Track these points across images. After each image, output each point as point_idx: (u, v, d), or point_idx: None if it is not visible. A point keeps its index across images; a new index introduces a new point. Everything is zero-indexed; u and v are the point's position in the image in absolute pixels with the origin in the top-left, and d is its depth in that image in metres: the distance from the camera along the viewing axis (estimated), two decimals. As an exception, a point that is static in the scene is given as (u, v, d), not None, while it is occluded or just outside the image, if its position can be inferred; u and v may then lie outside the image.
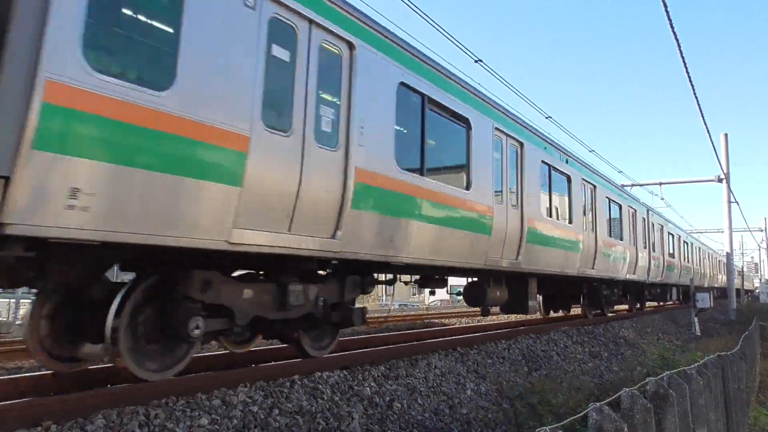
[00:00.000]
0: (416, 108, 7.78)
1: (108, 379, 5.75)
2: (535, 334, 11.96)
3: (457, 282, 12.19)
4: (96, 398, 4.69)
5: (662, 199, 30.84)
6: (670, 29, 12.07)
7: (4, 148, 3.64)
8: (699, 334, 20.44)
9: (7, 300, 25.59)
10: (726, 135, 29.99)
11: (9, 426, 3.91)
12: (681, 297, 31.53)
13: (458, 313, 23.93)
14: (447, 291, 12.93)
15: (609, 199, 16.35)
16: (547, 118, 32.01)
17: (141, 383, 5.17)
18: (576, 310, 19.01)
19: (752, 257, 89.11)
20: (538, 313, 16.96)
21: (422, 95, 7.79)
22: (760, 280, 75.59)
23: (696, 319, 21.30)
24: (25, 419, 4.08)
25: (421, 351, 8.52)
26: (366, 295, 8.23)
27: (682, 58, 14.41)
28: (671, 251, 25.58)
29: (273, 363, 6.97)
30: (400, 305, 38.57)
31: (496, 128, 9.73)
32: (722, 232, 31.97)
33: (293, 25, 5.76)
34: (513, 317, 18.45)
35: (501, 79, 17.39)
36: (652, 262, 21.29)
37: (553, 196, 12.36)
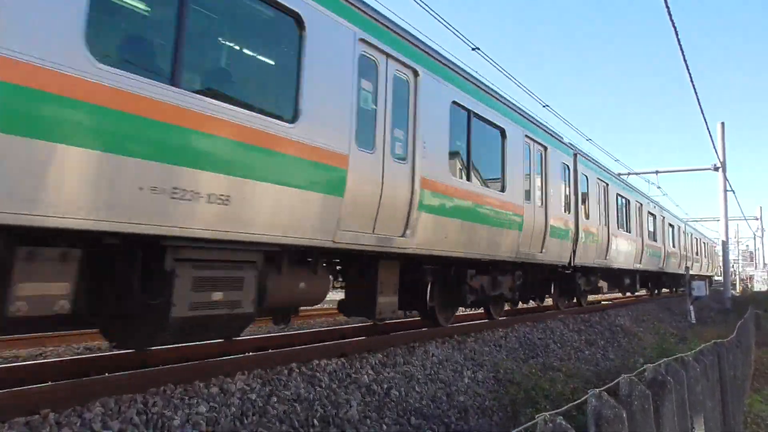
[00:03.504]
0: (464, 122, 8.83)
1: (106, 368, 5.74)
2: (531, 322, 12.01)
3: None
4: (94, 386, 4.66)
5: (659, 187, 30.93)
6: (668, 17, 12.03)
7: None
8: (694, 322, 20.57)
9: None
10: (723, 124, 29.94)
11: (7, 414, 3.88)
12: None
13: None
14: None
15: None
16: (544, 106, 31.93)
17: (138, 370, 5.17)
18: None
19: (747, 245, 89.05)
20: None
21: (468, 111, 8.80)
22: (755, 268, 75.73)
23: (692, 308, 21.42)
24: (23, 407, 4.05)
25: (418, 339, 8.54)
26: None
27: (680, 46, 14.39)
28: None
29: (270, 351, 6.98)
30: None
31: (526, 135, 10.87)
32: (718, 220, 32.00)
33: (375, 60, 6.84)
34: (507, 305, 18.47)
35: (499, 68, 17.34)
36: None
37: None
